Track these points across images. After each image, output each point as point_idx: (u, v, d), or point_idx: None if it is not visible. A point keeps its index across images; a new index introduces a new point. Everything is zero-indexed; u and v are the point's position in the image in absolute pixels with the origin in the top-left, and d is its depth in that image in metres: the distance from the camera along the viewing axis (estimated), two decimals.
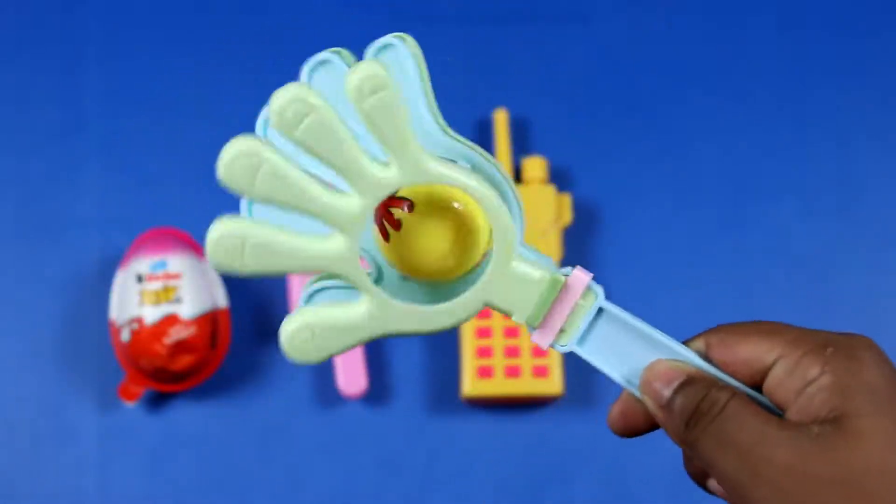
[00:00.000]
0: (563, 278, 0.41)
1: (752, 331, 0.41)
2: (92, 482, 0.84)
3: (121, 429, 0.85)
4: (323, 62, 0.41)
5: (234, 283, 0.86)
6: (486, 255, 0.43)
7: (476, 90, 0.89)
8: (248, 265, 0.40)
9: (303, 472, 0.85)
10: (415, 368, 0.87)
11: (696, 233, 0.90)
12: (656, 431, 0.43)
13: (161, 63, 0.92)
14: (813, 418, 0.38)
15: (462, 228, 0.42)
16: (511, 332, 0.84)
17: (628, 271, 0.89)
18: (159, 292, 0.82)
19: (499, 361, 0.84)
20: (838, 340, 0.39)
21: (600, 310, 0.42)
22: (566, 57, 0.93)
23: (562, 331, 0.42)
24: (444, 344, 0.86)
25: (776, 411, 0.39)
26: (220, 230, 0.40)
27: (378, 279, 0.43)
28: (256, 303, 0.87)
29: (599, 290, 0.42)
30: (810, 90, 0.93)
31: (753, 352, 0.40)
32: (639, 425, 0.43)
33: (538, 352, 0.84)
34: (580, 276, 0.42)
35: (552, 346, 0.42)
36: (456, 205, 0.42)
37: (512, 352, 0.84)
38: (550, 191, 0.87)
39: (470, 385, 0.84)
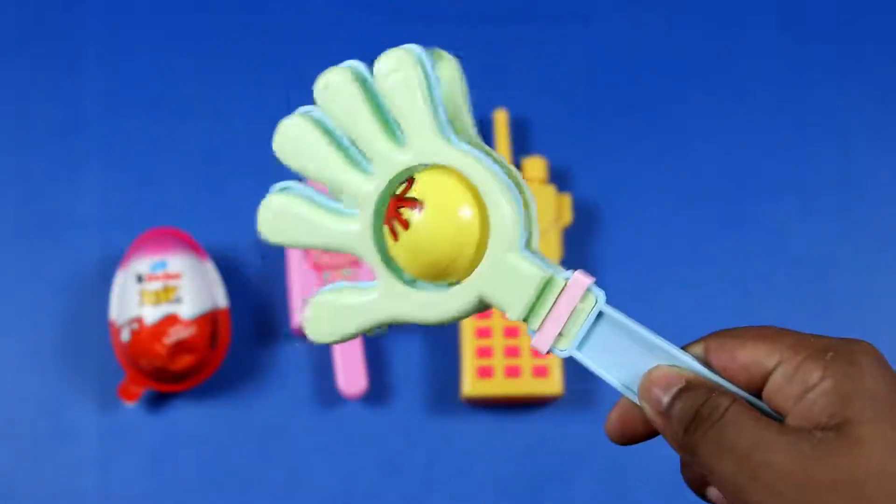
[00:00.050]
0: (563, 281, 0.41)
1: (750, 336, 0.40)
2: (92, 482, 0.84)
3: (121, 429, 0.85)
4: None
5: (234, 283, 0.86)
6: None
7: (476, 90, 0.89)
8: (286, 236, 0.44)
9: (303, 472, 0.85)
10: (415, 368, 0.87)
11: (696, 233, 0.90)
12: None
13: (161, 63, 0.92)
14: (814, 424, 0.38)
15: (473, 231, 0.42)
16: (511, 332, 0.84)
17: (628, 271, 0.89)
18: (159, 292, 0.82)
19: (499, 361, 0.84)
20: (838, 346, 0.39)
21: (600, 314, 0.42)
22: (566, 57, 0.93)
23: (561, 335, 0.42)
24: (444, 344, 0.86)
25: (776, 417, 0.39)
26: (269, 202, 0.44)
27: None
28: (256, 303, 0.87)
29: (600, 294, 0.42)
30: (810, 90, 0.93)
31: (752, 357, 0.40)
32: (637, 432, 0.43)
33: (538, 352, 0.84)
34: (581, 280, 0.41)
35: (551, 350, 0.42)
36: (467, 211, 0.42)
37: (512, 352, 0.84)
38: (550, 191, 0.87)
39: (470, 385, 0.84)
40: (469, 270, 0.42)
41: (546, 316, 0.42)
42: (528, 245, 0.42)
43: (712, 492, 0.43)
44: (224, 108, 0.91)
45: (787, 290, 0.89)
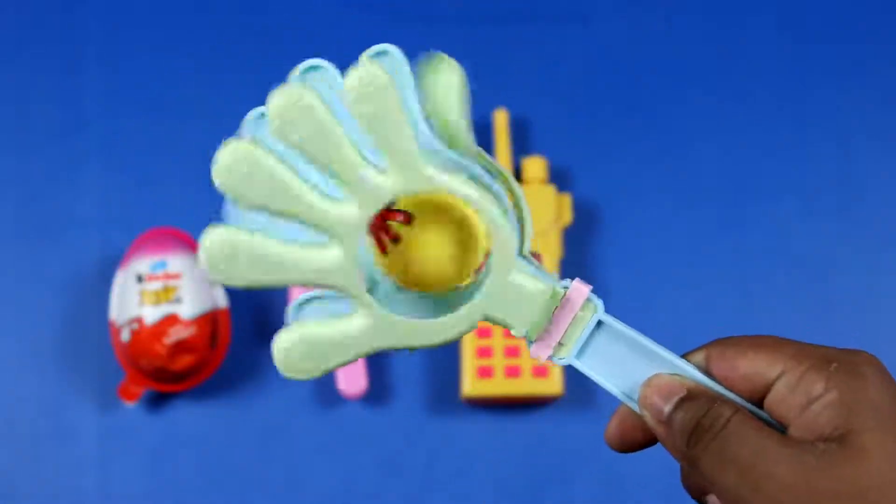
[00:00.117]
0: (562, 291, 0.41)
1: (751, 345, 0.40)
2: (92, 482, 0.84)
3: (121, 429, 0.85)
4: (315, 67, 0.40)
5: None
6: (486, 260, 0.42)
7: (476, 90, 0.89)
8: (243, 277, 0.39)
9: (303, 472, 0.85)
10: (415, 368, 0.87)
11: (696, 233, 0.90)
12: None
13: (161, 63, 0.92)
14: (817, 435, 0.37)
15: (461, 234, 0.42)
16: (511, 332, 0.84)
17: (628, 271, 0.89)
18: (159, 292, 0.82)
19: (499, 361, 0.84)
20: (841, 356, 0.39)
21: (599, 322, 0.41)
22: (566, 57, 0.93)
23: (560, 343, 0.41)
24: None
25: (777, 427, 0.39)
26: (213, 239, 0.39)
27: (371, 291, 0.41)
28: (256, 303, 0.87)
29: (599, 302, 0.41)
30: (810, 90, 0.93)
31: (754, 367, 0.40)
32: (637, 440, 0.43)
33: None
34: (580, 289, 0.41)
35: (550, 358, 0.42)
36: (456, 219, 0.41)
37: (512, 352, 0.84)
38: (550, 191, 0.87)
39: (470, 385, 0.84)
40: (461, 273, 0.42)
41: (546, 325, 0.41)
42: (521, 251, 0.41)
43: (712, 499, 0.43)
44: (224, 108, 0.90)
45: (787, 290, 0.89)
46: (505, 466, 0.86)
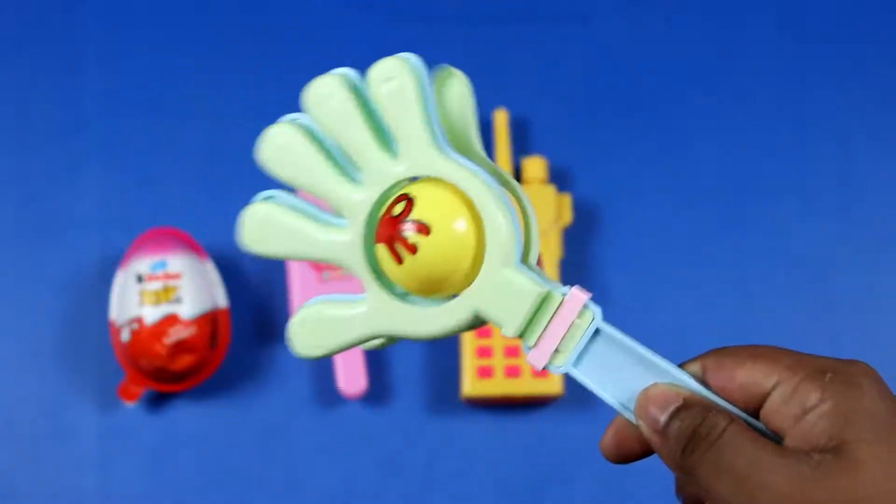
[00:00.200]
0: (560, 296, 0.41)
1: (748, 355, 0.40)
2: (92, 482, 0.84)
3: (121, 429, 0.85)
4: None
5: (234, 283, 0.86)
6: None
7: (476, 90, 0.89)
8: (269, 247, 0.43)
9: (303, 472, 0.85)
10: (415, 368, 0.87)
11: (696, 233, 0.90)
12: None
13: (161, 63, 0.92)
14: (812, 446, 0.37)
15: (478, 249, 0.41)
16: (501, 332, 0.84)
17: (628, 271, 0.89)
18: (159, 292, 0.82)
19: (499, 361, 0.84)
20: (836, 366, 0.39)
21: (597, 331, 0.41)
22: (566, 57, 0.93)
23: (557, 351, 0.41)
24: (444, 344, 0.86)
25: (773, 437, 0.39)
26: (253, 211, 0.43)
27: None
28: (256, 303, 0.87)
29: (597, 310, 0.41)
30: (810, 90, 0.93)
31: (750, 377, 0.39)
32: (633, 450, 0.42)
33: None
34: (577, 295, 0.41)
35: (547, 367, 0.41)
36: (463, 225, 0.41)
37: (512, 352, 0.84)
38: (550, 191, 0.87)
39: (470, 385, 0.84)
40: (465, 283, 0.41)
41: (542, 332, 0.41)
42: (525, 259, 0.41)
43: None
44: (224, 108, 0.91)
45: (787, 290, 0.89)
46: (505, 466, 0.86)
